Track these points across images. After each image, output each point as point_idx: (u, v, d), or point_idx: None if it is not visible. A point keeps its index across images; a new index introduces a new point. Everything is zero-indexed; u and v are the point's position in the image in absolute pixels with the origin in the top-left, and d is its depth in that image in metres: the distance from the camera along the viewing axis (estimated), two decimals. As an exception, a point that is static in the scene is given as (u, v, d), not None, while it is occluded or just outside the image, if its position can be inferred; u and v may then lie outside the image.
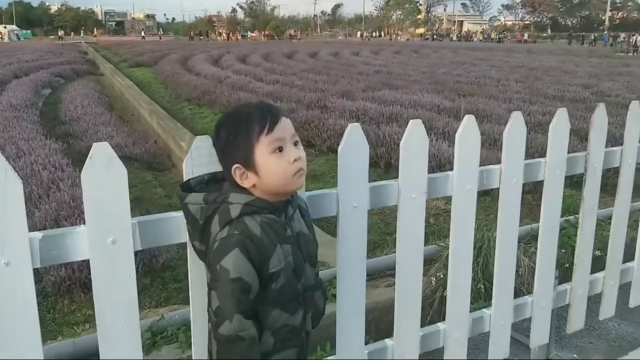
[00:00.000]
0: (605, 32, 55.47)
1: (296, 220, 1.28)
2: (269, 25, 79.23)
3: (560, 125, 2.07)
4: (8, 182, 1.14)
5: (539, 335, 2.27)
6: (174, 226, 1.37)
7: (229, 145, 1.22)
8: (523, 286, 2.80)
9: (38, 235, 1.20)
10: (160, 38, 67.67)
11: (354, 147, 1.60)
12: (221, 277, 1.13)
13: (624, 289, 2.62)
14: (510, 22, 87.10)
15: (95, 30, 79.81)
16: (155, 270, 3.52)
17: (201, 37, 66.87)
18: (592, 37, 51.93)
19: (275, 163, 1.18)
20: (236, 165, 1.20)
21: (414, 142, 1.72)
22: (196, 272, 1.38)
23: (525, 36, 60.45)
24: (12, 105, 9.38)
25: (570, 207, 3.73)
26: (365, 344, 1.79)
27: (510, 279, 2.09)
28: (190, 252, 1.35)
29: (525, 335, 2.31)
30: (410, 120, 1.72)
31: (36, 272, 1.31)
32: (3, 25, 74.15)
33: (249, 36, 72.18)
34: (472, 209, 1.89)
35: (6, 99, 10.19)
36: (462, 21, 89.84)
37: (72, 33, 75.74)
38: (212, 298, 1.15)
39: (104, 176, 1.24)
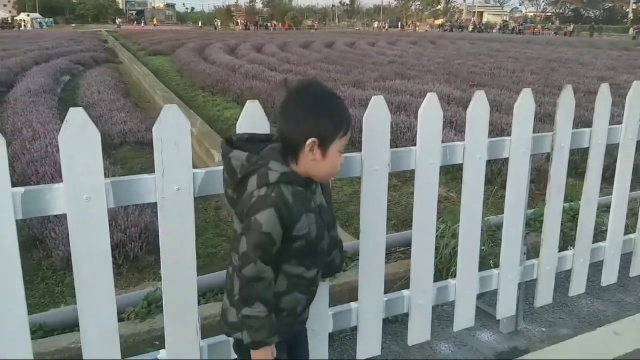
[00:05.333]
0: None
1: (317, 194, 1.48)
2: (287, 15, 79.00)
3: (525, 106, 2.18)
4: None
5: (505, 307, 2.38)
6: (144, 187, 1.53)
7: (319, 118, 1.35)
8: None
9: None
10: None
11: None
12: (253, 227, 1.31)
13: (598, 268, 2.70)
14: (531, 14, 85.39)
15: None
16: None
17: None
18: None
19: (335, 159, 1.40)
20: (314, 139, 1.34)
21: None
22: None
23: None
24: (29, 91, 9.67)
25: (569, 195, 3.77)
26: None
27: (475, 252, 2.20)
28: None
29: (494, 308, 2.41)
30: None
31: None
32: (26, 14, 75.41)
33: (269, 25, 71.66)
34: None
35: (25, 84, 10.50)
36: (482, 12, 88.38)
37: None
38: (241, 243, 1.34)
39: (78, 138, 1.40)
